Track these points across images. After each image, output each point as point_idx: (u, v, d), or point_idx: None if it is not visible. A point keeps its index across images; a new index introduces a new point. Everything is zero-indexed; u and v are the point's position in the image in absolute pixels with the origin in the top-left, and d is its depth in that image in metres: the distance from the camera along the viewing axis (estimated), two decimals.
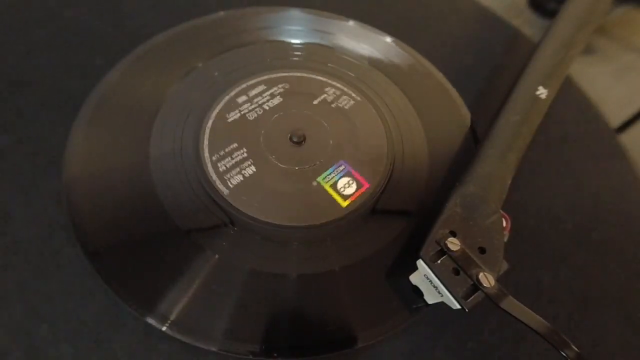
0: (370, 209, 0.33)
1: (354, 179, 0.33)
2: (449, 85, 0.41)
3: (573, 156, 0.40)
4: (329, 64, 0.40)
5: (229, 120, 0.34)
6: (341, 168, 0.33)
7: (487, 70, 0.44)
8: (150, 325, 0.28)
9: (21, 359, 0.27)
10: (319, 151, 0.34)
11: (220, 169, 0.32)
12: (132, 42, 0.39)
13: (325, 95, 0.37)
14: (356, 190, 0.33)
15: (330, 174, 0.33)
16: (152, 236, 0.31)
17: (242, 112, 0.35)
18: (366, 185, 0.33)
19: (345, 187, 0.33)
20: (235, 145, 0.33)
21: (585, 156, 0.40)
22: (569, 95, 0.43)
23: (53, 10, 0.41)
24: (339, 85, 0.38)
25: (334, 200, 0.32)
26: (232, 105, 0.35)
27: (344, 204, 0.32)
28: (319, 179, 0.33)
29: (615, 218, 0.37)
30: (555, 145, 0.40)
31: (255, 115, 0.35)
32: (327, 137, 0.35)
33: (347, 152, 0.34)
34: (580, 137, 0.41)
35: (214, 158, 0.32)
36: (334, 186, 0.33)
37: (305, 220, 0.31)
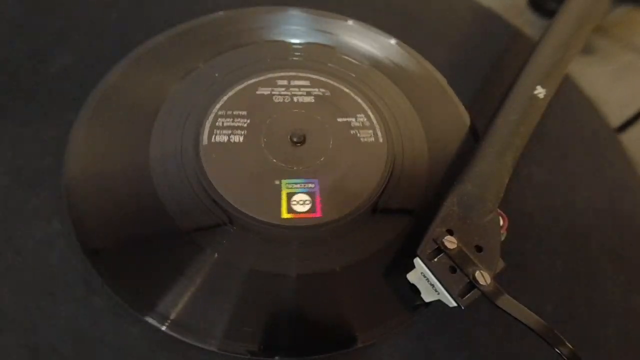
0: (371, 209, 0.33)
1: (313, 203, 0.32)
2: (448, 86, 0.41)
3: (572, 156, 0.40)
4: (329, 64, 0.40)
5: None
6: (310, 185, 0.33)
7: (487, 70, 0.44)
8: (149, 324, 0.28)
9: (20, 359, 0.27)
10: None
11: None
12: (132, 42, 0.39)
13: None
14: (305, 212, 0.32)
15: (296, 184, 0.33)
16: (152, 236, 0.31)
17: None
18: (318, 215, 0.32)
19: (298, 203, 0.32)
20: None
21: (585, 156, 0.40)
22: (569, 95, 0.43)
23: (53, 10, 0.41)
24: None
25: (279, 206, 0.31)
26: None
27: (284, 215, 0.31)
28: (284, 181, 0.32)
29: (615, 218, 0.37)
30: (554, 144, 0.40)
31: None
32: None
33: (339, 164, 0.34)
34: (580, 137, 0.41)
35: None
36: (289, 195, 0.32)
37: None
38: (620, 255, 0.35)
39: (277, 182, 0.32)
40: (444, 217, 0.29)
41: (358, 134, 0.35)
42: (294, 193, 0.32)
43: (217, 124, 0.34)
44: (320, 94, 0.37)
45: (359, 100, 0.37)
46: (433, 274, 0.27)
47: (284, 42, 0.41)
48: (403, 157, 0.36)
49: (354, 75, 0.39)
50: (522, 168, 0.37)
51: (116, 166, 0.33)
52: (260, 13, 0.43)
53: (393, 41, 0.43)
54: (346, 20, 0.43)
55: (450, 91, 0.41)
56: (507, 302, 0.26)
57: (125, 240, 0.31)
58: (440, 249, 0.27)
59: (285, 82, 0.37)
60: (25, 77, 0.37)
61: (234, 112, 0.35)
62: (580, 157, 0.40)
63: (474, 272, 0.26)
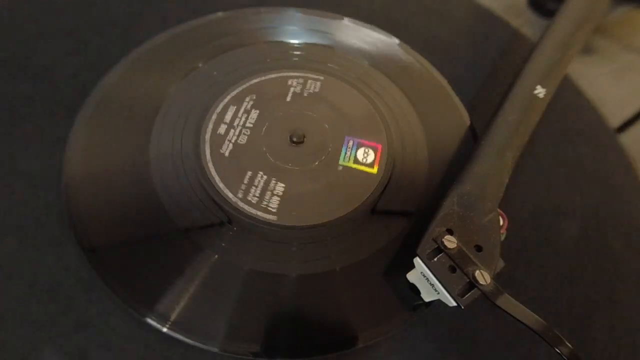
0: (370, 209, 0.33)
1: (368, 147, 0.35)
2: (448, 86, 0.41)
3: (573, 156, 0.40)
4: (329, 64, 0.40)
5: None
6: (350, 143, 0.35)
7: (487, 70, 0.44)
8: (150, 325, 0.28)
9: (18, 358, 0.27)
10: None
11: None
12: (132, 42, 0.39)
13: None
14: (375, 156, 0.34)
15: (345, 153, 0.34)
16: (152, 236, 0.31)
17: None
18: (380, 146, 0.35)
19: (365, 157, 0.34)
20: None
21: (585, 156, 0.40)
22: (569, 95, 0.43)
23: (53, 10, 0.41)
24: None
25: (364, 172, 0.33)
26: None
27: (374, 170, 0.33)
28: (341, 161, 0.34)
29: (615, 218, 0.37)
30: (554, 144, 0.40)
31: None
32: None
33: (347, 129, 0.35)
34: (580, 137, 0.41)
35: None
36: (356, 161, 0.34)
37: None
38: (620, 254, 0.35)
39: (340, 168, 0.33)
40: (444, 216, 0.29)
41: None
42: (354, 157, 0.34)
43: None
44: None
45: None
46: (433, 273, 0.27)
47: (283, 42, 0.41)
48: (403, 157, 0.35)
49: (353, 75, 0.39)
50: (522, 167, 0.37)
51: (116, 166, 0.33)
52: (260, 13, 0.43)
53: (393, 41, 0.43)
54: (346, 21, 0.43)
55: (450, 91, 0.41)
56: (507, 301, 0.26)
57: (125, 240, 0.31)
58: (440, 249, 0.27)
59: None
60: (25, 77, 0.37)
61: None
62: (580, 157, 0.40)
63: (474, 271, 0.26)
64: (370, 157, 0.34)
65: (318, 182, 0.33)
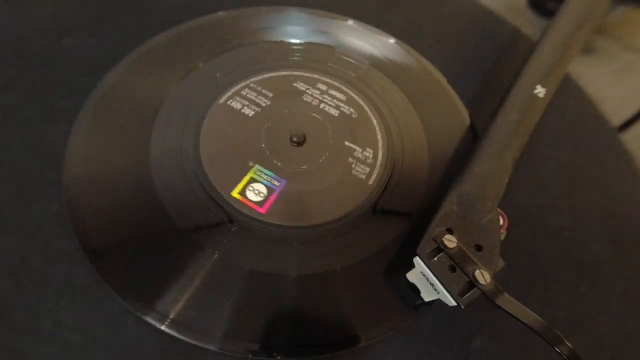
0: (371, 209, 0.33)
1: (267, 196, 0.32)
2: (449, 86, 0.41)
3: (573, 156, 0.40)
4: (329, 64, 0.40)
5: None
6: (276, 183, 0.32)
7: (488, 70, 0.44)
8: (149, 324, 0.28)
9: (19, 358, 0.27)
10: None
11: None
12: (132, 42, 0.39)
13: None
14: (252, 202, 0.31)
15: (265, 173, 0.32)
16: (152, 235, 0.31)
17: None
18: (261, 212, 0.31)
19: (254, 191, 0.32)
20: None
21: (585, 156, 0.40)
22: (570, 95, 0.43)
23: (52, 11, 0.41)
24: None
25: (236, 183, 0.32)
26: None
27: (233, 193, 0.31)
28: (256, 166, 0.32)
29: (615, 217, 0.37)
30: (555, 144, 0.40)
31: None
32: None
33: (318, 179, 0.33)
34: (580, 136, 0.41)
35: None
36: (251, 180, 0.32)
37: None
38: (620, 254, 0.35)
39: (250, 164, 0.32)
40: (444, 216, 0.29)
41: (353, 165, 0.34)
42: (256, 181, 0.32)
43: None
44: (346, 111, 0.37)
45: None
46: (433, 273, 0.27)
47: (283, 42, 0.41)
48: (403, 157, 0.35)
49: (353, 75, 0.39)
50: (522, 167, 0.37)
51: (116, 166, 0.33)
52: (260, 13, 0.43)
53: (393, 41, 0.43)
54: (346, 20, 0.43)
55: (450, 91, 0.41)
56: (506, 301, 0.26)
57: (124, 239, 0.31)
58: (440, 248, 0.27)
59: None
60: (25, 77, 0.37)
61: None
62: (581, 156, 0.40)
63: (474, 271, 0.26)
64: (256, 197, 0.32)
65: (287, 184, 0.32)
